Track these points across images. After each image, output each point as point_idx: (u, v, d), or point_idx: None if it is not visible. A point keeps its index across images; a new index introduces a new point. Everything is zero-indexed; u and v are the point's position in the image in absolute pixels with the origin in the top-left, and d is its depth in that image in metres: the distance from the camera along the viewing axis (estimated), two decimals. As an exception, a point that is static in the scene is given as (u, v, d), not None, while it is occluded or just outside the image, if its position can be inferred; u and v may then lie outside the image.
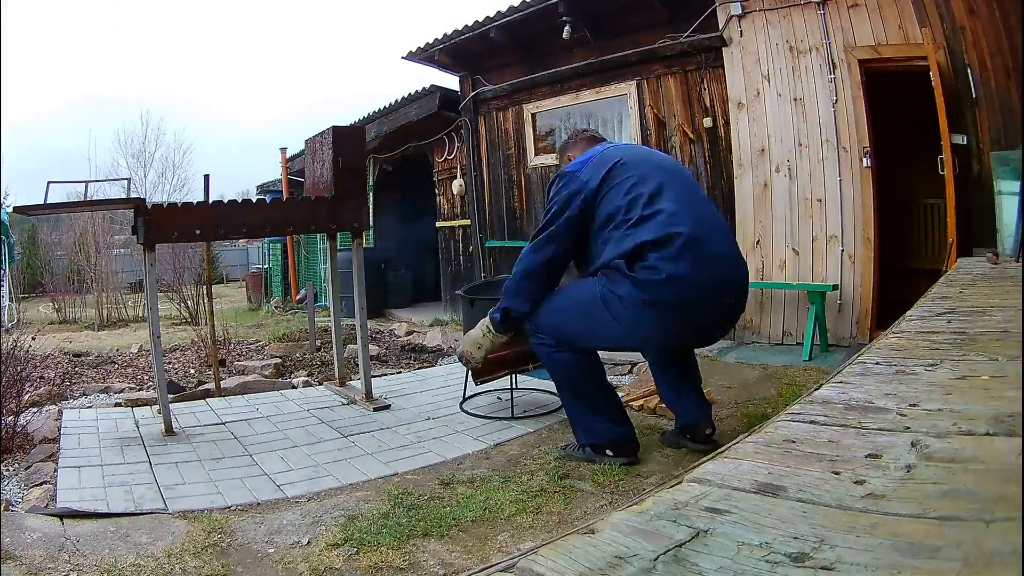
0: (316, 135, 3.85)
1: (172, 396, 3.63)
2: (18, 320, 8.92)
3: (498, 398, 3.66)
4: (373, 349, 5.18)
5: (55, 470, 2.62)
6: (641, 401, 3.54)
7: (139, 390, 4.21)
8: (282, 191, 10.06)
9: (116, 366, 5.17)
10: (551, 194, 2.47)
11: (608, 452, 2.53)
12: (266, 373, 4.54)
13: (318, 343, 5.50)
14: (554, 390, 3.62)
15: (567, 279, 2.58)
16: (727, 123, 5.07)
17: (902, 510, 0.72)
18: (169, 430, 3.13)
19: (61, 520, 2.10)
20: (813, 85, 4.61)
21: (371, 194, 8.30)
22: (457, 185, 7.43)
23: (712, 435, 2.59)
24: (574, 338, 2.42)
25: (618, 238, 2.26)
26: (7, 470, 2.63)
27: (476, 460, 2.71)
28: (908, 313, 2.16)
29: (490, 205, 7.05)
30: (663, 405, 3.41)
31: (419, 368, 4.85)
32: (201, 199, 3.81)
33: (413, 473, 2.60)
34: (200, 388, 4.10)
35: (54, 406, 3.63)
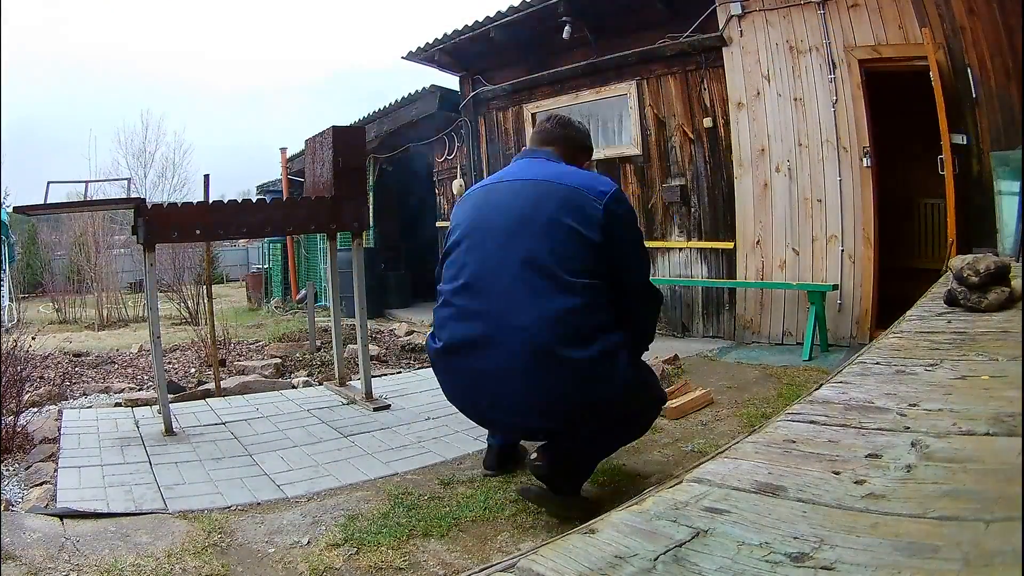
0: (316, 135, 3.85)
1: (172, 396, 3.63)
2: (18, 320, 8.92)
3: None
4: (373, 349, 5.18)
5: (55, 470, 2.62)
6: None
7: (139, 390, 4.21)
8: (282, 191, 10.06)
9: (116, 366, 5.17)
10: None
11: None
12: (266, 373, 4.54)
13: (318, 343, 5.50)
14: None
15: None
16: (727, 123, 5.06)
17: (902, 510, 0.72)
18: (169, 430, 3.13)
19: (61, 520, 2.10)
20: (813, 85, 4.61)
21: (371, 194, 8.30)
22: (457, 185, 7.43)
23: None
24: None
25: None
26: (7, 470, 2.63)
27: (476, 460, 2.71)
28: (908, 313, 2.16)
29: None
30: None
31: (419, 368, 4.84)
32: (201, 199, 3.81)
33: (413, 473, 2.60)
34: (200, 388, 4.10)
35: (54, 406, 3.63)
